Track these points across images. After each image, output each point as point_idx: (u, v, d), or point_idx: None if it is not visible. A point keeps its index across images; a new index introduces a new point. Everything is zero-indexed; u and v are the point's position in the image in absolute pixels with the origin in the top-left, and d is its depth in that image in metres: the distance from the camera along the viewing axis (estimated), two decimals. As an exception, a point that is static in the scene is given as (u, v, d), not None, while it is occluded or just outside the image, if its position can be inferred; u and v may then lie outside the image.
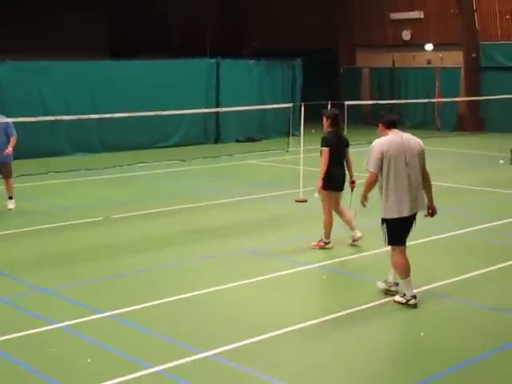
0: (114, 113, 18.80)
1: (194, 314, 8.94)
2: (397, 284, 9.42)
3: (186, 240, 12.59)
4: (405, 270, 9.08)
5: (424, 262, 10.81)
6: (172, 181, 19.10)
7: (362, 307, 9.09)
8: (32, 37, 39.06)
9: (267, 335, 8.12)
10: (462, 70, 32.46)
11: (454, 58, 32.46)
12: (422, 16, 33.48)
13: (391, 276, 9.45)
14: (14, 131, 14.80)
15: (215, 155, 23.68)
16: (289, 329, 8.33)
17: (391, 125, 9.15)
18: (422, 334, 8.32)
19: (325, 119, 11.80)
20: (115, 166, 20.61)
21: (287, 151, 17.10)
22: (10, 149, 14.68)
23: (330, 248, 11.80)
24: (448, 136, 30.31)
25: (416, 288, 9.29)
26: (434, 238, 12.43)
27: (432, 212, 9.32)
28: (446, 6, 32.37)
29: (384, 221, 9.05)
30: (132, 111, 19.28)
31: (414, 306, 9.02)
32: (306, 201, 15.68)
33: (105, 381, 6.92)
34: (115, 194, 17.11)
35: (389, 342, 8.23)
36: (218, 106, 27.27)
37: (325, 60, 35.54)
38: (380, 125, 9.24)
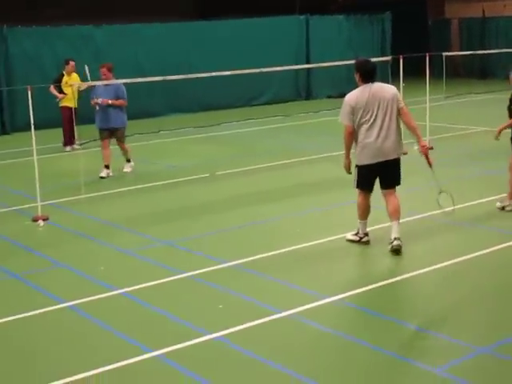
0: (206, 71, 19.08)
1: (315, 262, 9.32)
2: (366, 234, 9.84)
3: (299, 192, 12.92)
4: (364, 212, 9.65)
5: None
6: (271, 137, 19.47)
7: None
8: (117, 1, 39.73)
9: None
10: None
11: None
12: (513, -37, 32.86)
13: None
14: (124, 95, 14.82)
15: (309, 111, 23.89)
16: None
17: (367, 77, 9.24)
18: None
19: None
20: (213, 125, 21.01)
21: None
22: (109, 101, 14.52)
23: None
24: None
25: None
26: None
27: (425, 148, 9.40)
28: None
29: (356, 166, 9.46)
30: (225, 70, 19.56)
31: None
32: (406, 153, 15.78)
33: (236, 325, 7.36)
34: (218, 152, 17.57)
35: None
36: (308, 62, 27.47)
37: (413, 12, 35.19)
38: (357, 74, 9.28)
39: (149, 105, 24.13)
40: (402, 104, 9.31)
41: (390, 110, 9.21)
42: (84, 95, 16.93)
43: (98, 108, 14.69)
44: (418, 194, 12.19)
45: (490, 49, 32.02)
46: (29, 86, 11.91)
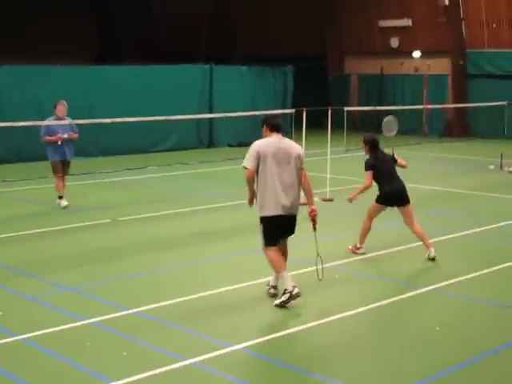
0: (109, 117, 19.04)
1: (217, 310, 9.37)
2: (274, 287, 9.83)
3: (195, 242, 12.99)
4: (279, 265, 9.47)
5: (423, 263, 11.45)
6: (173, 184, 19.51)
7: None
8: (21, 41, 39.44)
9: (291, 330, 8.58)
10: (450, 78, 33.10)
11: (442, 66, 33.12)
12: (410, 24, 34.07)
13: (272, 279, 9.85)
14: (77, 130, 15.98)
15: (210, 159, 24.09)
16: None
17: (275, 128, 9.55)
18: (437, 328, 8.79)
19: (363, 145, 12.06)
20: (110, 172, 20.91)
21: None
22: (74, 135, 15.84)
23: (362, 253, 12.02)
24: (435, 142, 30.91)
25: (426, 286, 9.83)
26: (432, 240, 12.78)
27: (313, 213, 9.66)
28: (433, 15, 32.93)
29: (261, 219, 9.50)
30: (127, 116, 19.55)
31: (298, 294, 9.35)
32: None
33: (141, 373, 7.33)
34: (117, 197, 17.49)
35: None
36: (211, 111, 27.74)
37: (314, 66, 36.03)
38: (265, 126, 9.61)
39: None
40: (303, 165, 9.58)
41: (294, 167, 9.44)
42: None
43: (59, 143, 15.59)
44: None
45: (387, 104, 33.10)
46: None
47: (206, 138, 28.61)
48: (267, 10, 38.37)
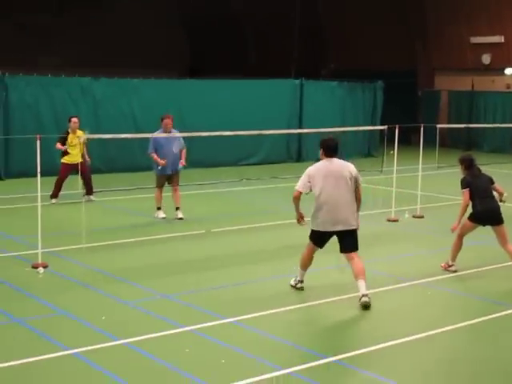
0: (200, 131, 19.33)
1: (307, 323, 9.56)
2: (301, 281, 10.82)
3: (287, 254, 13.14)
4: (304, 263, 10.68)
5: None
6: (262, 197, 19.80)
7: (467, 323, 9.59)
8: (114, 53, 40.52)
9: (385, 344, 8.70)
10: (542, 95, 32.63)
11: (534, 83, 32.70)
12: (503, 40, 33.67)
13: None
14: (183, 144, 16.29)
15: (299, 174, 24.12)
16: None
17: (329, 153, 10.25)
18: None
19: (459, 164, 12.17)
20: (204, 183, 21.23)
21: (381, 171, 17.93)
22: (183, 161, 16.23)
23: (454, 271, 12.04)
24: (527, 160, 30.42)
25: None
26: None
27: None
28: (527, 32, 32.58)
29: (311, 229, 10.42)
30: (217, 129, 19.78)
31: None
32: (397, 220, 16.21)
33: (239, 380, 7.55)
34: (210, 209, 17.86)
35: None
36: (300, 125, 27.96)
37: (403, 82, 35.88)
38: (321, 150, 10.33)
39: (142, 159, 24.36)
40: (360, 180, 10.37)
41: (346, 184, 10.12)
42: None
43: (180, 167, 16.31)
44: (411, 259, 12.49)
45: (477, 121, 32.79)
46: (38, 136, 12.15)
47: (295, 152, 28.84)
48: (357, 24, 38.44)
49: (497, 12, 33.52)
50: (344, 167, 10.24)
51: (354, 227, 10.25)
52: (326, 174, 10.12)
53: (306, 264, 10.70)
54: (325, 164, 10.24)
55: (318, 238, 10.42)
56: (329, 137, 10.71)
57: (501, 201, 12.03)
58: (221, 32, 44.37)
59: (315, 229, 10.33)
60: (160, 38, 43.52)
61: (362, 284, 10.06)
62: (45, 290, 10.80)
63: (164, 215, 16.26)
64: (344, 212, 10.13)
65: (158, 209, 16.39)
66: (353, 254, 10.30)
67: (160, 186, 16.28)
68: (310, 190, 10.22)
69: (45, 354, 8.18)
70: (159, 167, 16.10)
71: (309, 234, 10.54)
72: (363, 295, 10.00)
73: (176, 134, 16.09)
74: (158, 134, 15.92)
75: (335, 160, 10.25)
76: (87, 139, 17.57)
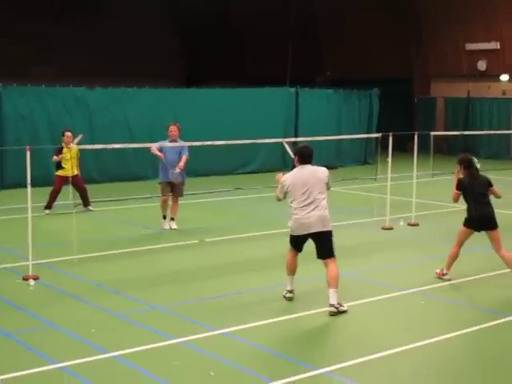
0: (195, 140, 19.22)
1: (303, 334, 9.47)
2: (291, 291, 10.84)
3: (280, 264, 13.01)
4: (289, 268, 10.80)
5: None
6: (256, 206, 19.71)
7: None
8: (111, 63, 40.55)
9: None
10: (538, 101, 32.63)
11: (530, 89, 32.70)
12: (498, 47, 33.66)
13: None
14: (186, 152, 15.93)
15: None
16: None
17: (304, 160, 10.48)
18: None
19: (458, 165, 12.03)
20: (198, 193, 21.14)
21: (375, 179, 17.88)
22: (181, 164, 15.75)
23: (448, 280, 11.95)
24: (523, 166, 30.36)
25: None
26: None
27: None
28: (522, 38, 32.60)
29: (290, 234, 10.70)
30: (214, 138, 19.69)
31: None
32: (392, 228, 16.14)
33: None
34: (204, 218, 17.79)
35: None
36: (296, 133, 27.89)
37: (399, 89, 35.87)
38: (296, 157, 10.63)
39: (136, 168, 24.35)
40: (330, 184, 10.63)
41: (318, 189, 10.35)
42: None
43: (177, 172, 15.76)
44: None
45: (473, 128, 32.76)
46: (28, 146, 12.07)
47: (290, 160, 28.62)
48: (353, 32, 38.47)
49: (492, 18, 33.52)
50: (316, 172, 10.48)
51: (327, 229, 10.37)
52: (299, 181, 10.37)
53: (291, 269, 10.80)
54: (298, 170, 10.51)
55: (295, 243, 10.65)
56: (304, 145, 11.06)
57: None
58: (217, 41, 44.45)
59: (291, 234, 10.63)
60: (157, 47, 43.61)
61: (332, 293, 10.15)
62: (35, 303, 10.69)
63: (168, 226, 16.06)
64: (316, 216, 10.27)
65: (164, 218, 16.23)
66: (328, 261, 10.38)
67: (163, 194, 16.08)
68: (285, 197, 10.57)
69: (32, 368, 8.07)
70: (161, 173, 16.03)
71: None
72: (330, 305, 10.09)
73: (182, 143, 15.90)
74: (163, 143, 15.79)
75: (308, 166, 10.48)
76: (79, 151, 17.48)
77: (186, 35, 46.35)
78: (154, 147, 15.79)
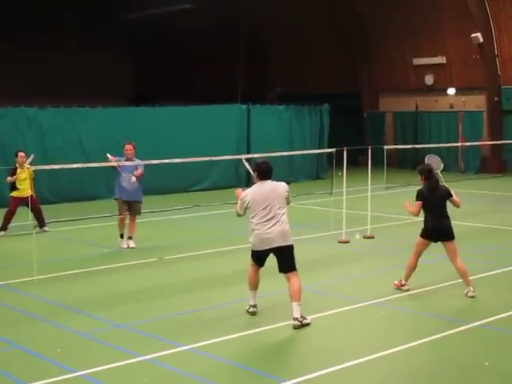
0: (148, 158, 19.20)
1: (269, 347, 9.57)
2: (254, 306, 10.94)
3: (240, 279, 13.10)
4: (250, 283, 10.90)
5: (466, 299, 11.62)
6: (211, 223, 19.79)
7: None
8: (61, 82, 40.31)
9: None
10: (485, 114, 33.26)
11: (477, 102, 33.37)
12: (445, 61, 34.31)
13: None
14: (143, 167, 15.99)
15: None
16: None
17: (263, 176, 10.64)
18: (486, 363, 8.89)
19: (419, 176, 12.18)
20: (155, 211, 21.14)
21: (331, 193, 18.08)
22: (138, 171, 15.83)
23: (406, 290, 12.13)
24: (472, 178, 30.86)
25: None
26: (475, 276, 12.85)
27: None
28: (468, 52, 33.24)
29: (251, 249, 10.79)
30: (167, 156, 19.67)
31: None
32: (348, 242, 16.35)
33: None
34: (161, 236, 17.81)
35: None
36: (249, 150, 28.05)
37: (349, 104, 36.29)
38: (255, 173, 10.79)
39: (90, 188, 24.28)
40: (290, 199, 10.73)
41: (278, 204, 10.45)
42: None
43: (133, 181, 15.82)
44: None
45: (422, 141, 33.24)
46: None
47: (243, 177, 28.88)
48: (301, 48, 38.87)
49: (437, 34, 34.16)
50: (276, 187, 10.59)
51: (288, 243, 10.50)
52: (260, 196, 10.48)
53: (253, 284, 10.89)
54: (258, 186, 10.62)
55: (257, 258, 10.72)
56: (263, 161, 11.08)
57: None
58: (166, 58, 44.50)
59: (252, 249, 10.71)
60: (106, 66, 43.46)
61: (295, 307, 10.25)
62: (-3, 325, 10.65)
63: (126, 245, 16.07)
64: (277, 231, 10.39)
65: (121, 236, 16.25)
66: (290, 275, 10.50)
67: (121, 213, 16.04)
68: (245, 213, 10.72)
69: (0, 390, 8.07)
70: (116, 190, 16.03)
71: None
72: (294, 318, 10.20)
73: (138, 161, 15.92)
74: (120, 161, 15.79)
75: (268, 182, 10.60)
76: (33, 171, 17.36)
77: (137, 54, 46.35)
78: (110, 156, 15.79)
